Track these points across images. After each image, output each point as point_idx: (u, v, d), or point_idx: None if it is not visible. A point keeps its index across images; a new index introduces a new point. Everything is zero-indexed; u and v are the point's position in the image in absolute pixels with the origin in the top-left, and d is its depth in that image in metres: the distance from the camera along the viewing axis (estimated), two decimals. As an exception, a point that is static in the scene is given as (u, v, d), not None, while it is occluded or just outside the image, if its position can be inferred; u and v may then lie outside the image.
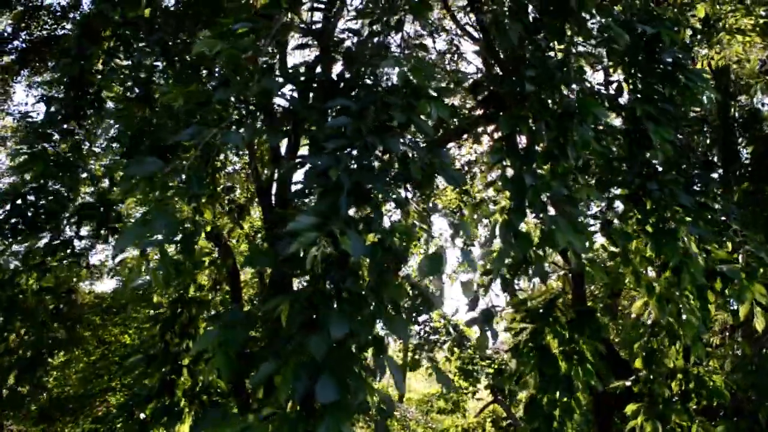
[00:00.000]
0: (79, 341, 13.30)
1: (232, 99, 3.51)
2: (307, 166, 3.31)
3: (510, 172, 4.61)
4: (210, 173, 3.95)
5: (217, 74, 3.83)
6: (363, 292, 3.17)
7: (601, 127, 4.86)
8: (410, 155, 3.45)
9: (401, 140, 3.43)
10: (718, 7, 7.91)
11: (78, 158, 5.88)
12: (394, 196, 3.31)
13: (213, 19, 5.04)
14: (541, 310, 6.11)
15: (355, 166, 3.17)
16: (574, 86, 4.77)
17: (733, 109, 9.39)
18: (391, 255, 3.34)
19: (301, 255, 2.83)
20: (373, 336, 3.12)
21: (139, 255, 4.14)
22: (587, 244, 4.46)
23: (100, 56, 6.61)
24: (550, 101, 4.56)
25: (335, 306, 3.03)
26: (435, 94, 3.65)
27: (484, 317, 4.64)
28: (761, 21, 7.81)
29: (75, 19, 10.79)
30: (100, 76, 6.65)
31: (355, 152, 3.26)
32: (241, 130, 3.49)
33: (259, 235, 11.76)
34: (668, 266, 5.03)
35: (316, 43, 5.05)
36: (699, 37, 8.76)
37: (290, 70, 3.83)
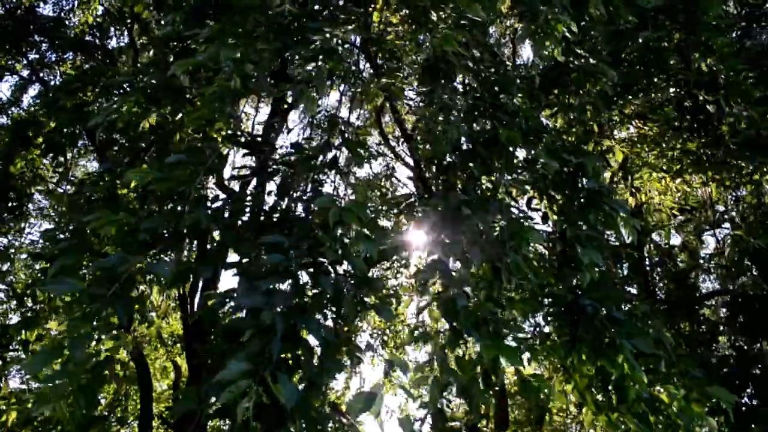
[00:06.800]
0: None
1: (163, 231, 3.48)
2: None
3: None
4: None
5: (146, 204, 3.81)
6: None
7: (531, 254, 4.94)
8: (342, 291, 3.44)
9: (333, 276, 3.44)
10: (635, 152, 8.48)
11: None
12: (324, 336, 3.27)
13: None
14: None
15: (287, 306, 3.14)
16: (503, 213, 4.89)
17: (647, 247, 9.89)
18: (322, 396, 3.28)
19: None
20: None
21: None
22: (520, 358, 4.37)
23: (26, 160, 6.53)
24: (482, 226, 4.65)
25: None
26: (366, 232, 3.71)
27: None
28: (676, 167, 8.40)
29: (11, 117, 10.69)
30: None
31: (286, 288, 3.24)
32: (168, 260, 3.46)
33: (178, 345, 11.37)
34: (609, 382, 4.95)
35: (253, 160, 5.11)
36: (620, 174, 9.35)
37: (221, 202, 3.84)
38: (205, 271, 3.57)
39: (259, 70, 3.56)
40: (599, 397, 5.28)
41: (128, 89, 5.53)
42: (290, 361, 3.23)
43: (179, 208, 3.43)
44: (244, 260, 3.59)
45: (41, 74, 12.09)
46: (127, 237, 3.37)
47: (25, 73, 12.49)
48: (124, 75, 6.46)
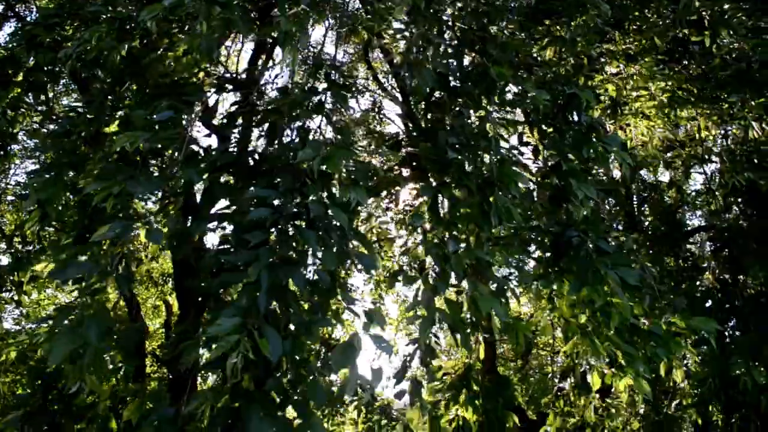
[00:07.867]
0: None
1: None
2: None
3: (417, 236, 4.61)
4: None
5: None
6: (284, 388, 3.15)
7: (522, 191, 4.91)
8: (327, 242, 3.45)
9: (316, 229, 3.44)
10: (624, 92, 8.38)
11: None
12: (311, 290, 3.31)
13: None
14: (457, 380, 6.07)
15: (273, 260, 3.16)
16: (493, 153, 4.82)
17: (635, 184, 9.92)
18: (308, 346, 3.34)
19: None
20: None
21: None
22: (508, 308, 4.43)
23: (8, 99, 6.37)
24: (470, 167, 4.61)
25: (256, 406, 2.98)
26: (353, 177, 3.69)
27: (414, 389, 4.56)
28: (665, 106, 8.32)
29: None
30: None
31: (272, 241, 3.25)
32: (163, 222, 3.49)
33: (169, 285, 11.50)
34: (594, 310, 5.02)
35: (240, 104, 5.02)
36: (608, 112, 9.26)
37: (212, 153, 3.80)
38: (198, 229, 3.59)
39: (229, 12, 3.45)
40: (584, 323, 5.36)
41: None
42: (278, 312, 3.28)
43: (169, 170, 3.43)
44: (231, 209, 3.59)
45: (17, 9, 11.68)
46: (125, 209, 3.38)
47: (0, 8, 12.05)
48: (98, 4, 6.26)
